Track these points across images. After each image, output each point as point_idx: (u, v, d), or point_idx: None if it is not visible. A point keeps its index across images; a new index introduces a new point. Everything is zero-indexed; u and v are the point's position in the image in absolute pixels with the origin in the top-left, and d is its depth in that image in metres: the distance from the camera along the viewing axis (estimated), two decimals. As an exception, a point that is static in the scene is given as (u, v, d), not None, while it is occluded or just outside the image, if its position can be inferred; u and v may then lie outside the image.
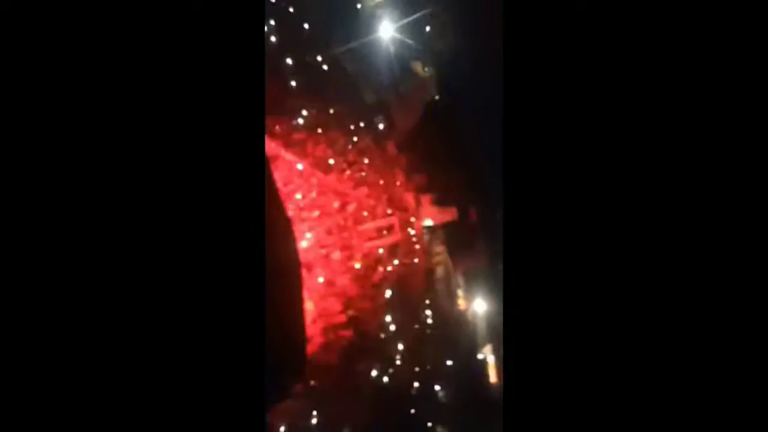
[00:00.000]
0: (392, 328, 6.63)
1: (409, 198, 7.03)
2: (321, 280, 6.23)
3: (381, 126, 6.94)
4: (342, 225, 6.58)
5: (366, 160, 6.92)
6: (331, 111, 6.74)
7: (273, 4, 5.57)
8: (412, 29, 6.44)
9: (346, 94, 6.56)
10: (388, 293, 6.64)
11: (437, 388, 6.60)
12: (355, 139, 6.89)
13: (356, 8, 6.40)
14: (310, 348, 5.94)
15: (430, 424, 6.41)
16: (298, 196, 6.53)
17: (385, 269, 6.74)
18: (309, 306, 6.14)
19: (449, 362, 6.88)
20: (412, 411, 6.38)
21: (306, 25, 5.87)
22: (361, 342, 6.31)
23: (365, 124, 6.80)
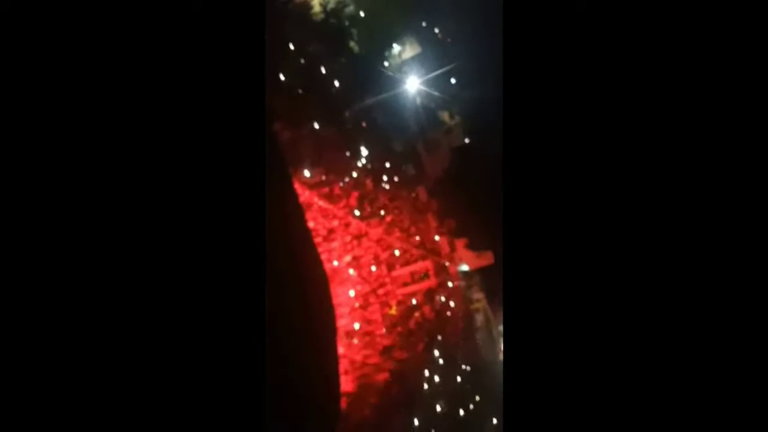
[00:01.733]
0: (431, 379, 6.32)
1: (443, 242, 6.97)
2: (357, 327, 6.13)
3: (412, 173, 7.10)
4: (377, 271, 6.57)
5: (398, 206, 7.03)
6: (363, 160, 7.01)
7: (303, 65, 6.07)
8: (438, 81, 6.76)
9: (376, 144, 6.84)
10: (425, 342, 6.41)
11: (483, 447, 6.10)
12: (387, 186, 7.06)
13: (383, 65, 6.84)
14: (344, 402, 5.72)
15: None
16: (334, 243, 6.64)
17: (421, 316, 6.58)
18: (342, 354, 6.00)
19: (494, 421, 6.39)
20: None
21: (336, 83, 6.31)
22: (398, 395, 6.02)
23: (396, 171, 6.99)
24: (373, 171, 6.98)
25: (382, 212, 6.88)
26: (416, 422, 5.89)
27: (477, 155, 7.18)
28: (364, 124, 6.97)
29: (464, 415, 6.20)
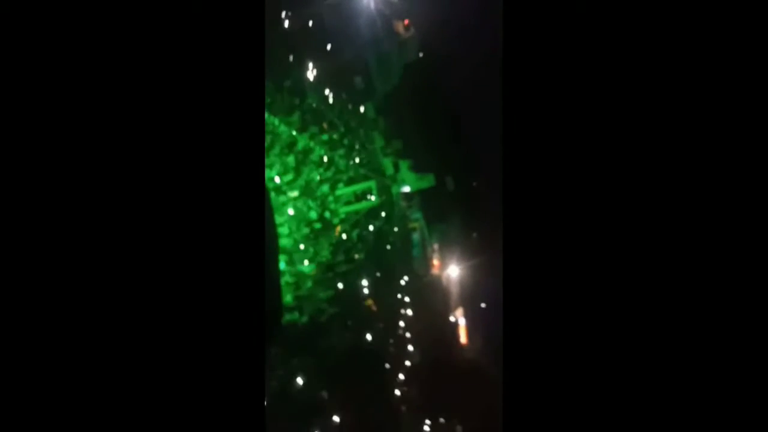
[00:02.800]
0: (367, 291, 6.78)
1: (388, 163, 6.96)
2: (301, 247, 6.22)
3: (360, 86, 6.71)
4: (320, 190, 6.50)
5: (344, 123, 6.75)
6: (309, 70, 6.45)
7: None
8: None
9: (324, 52, 6.25)
10: (362, 255, 6.73)
11: (410, 348, 6.89)
12: (333, 100, 6.66)
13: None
14: (287, 315, 6.03)
15: (402, 379, 6.75)
16: (277, 163, 6.36)
17: (362, 233, 6.79)
18: (284, 271, 6.16)
19: (422, 324, 7.14)
20: (386, 366, 6.67)
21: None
22: (336, 305, 6.44)
23: (344, 84, 6.55)
24: (319, 82, 6.48)
25: (326, 128, 6.58)
26: (348, 323, 6.41)
27: (430, 72, 6.89)
28: (310, 24, 6.26)
29: (401, 326, 6.83)
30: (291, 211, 6.20)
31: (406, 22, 6.71)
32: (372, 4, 6.23)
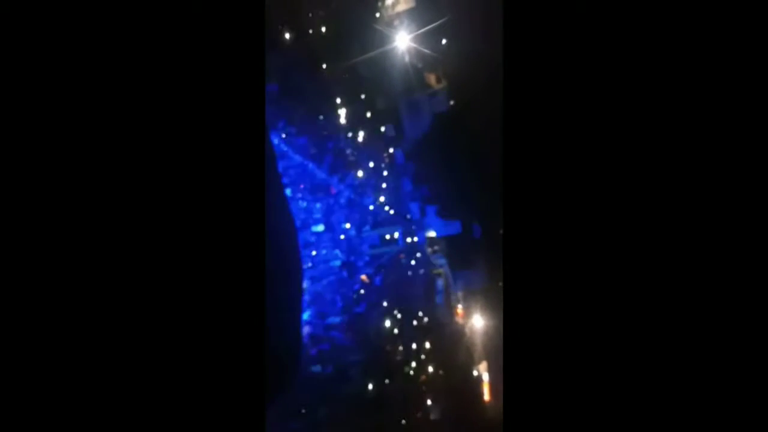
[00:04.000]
0: (392, 337, 6.60)
1: (415, 207, 7.02)
2: (320, 286, 6.21)
3: (391, 133, 6.94)
4: (346, 232, 6.57)
5: (373, 167, 6.93)
6: (342, 117, 6.76)
7: (289, 9, 5.59)
8: (428, 40, 6.44)
9: (357, 99, 6.57)
10: (385, 300, 6.64)
11: (429, 402, 6.57)
12: (364, 145, 6.90)
13: (375, 17, 6.42)
14: (304, 356, 5.93)
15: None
16: (303, 203, 6.53)
17: (385, 278, 6.74)
18: (305, 314, 6.12)
19: (443, 376, 6.84)
20: (403, 422, 6.34)
21: (323, 29, 5.89)
22: (356, 349, 6.28)
23: (376, 131, 6.81)
24: (352, 127, 6.77)
25: (360, 173, 6.77)
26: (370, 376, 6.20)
27: (459, 123, 7.07)
28: (346, 76, 6.64)
29: (414, 370, 6.58)
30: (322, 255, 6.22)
31: (437, 75, 7.01)
32: (406, 57, 6.57)
